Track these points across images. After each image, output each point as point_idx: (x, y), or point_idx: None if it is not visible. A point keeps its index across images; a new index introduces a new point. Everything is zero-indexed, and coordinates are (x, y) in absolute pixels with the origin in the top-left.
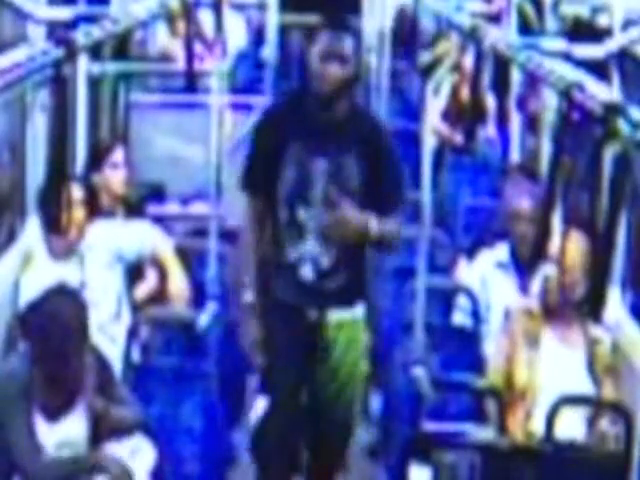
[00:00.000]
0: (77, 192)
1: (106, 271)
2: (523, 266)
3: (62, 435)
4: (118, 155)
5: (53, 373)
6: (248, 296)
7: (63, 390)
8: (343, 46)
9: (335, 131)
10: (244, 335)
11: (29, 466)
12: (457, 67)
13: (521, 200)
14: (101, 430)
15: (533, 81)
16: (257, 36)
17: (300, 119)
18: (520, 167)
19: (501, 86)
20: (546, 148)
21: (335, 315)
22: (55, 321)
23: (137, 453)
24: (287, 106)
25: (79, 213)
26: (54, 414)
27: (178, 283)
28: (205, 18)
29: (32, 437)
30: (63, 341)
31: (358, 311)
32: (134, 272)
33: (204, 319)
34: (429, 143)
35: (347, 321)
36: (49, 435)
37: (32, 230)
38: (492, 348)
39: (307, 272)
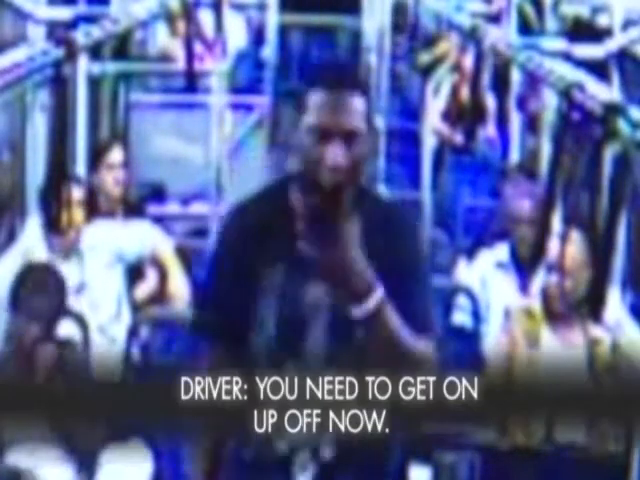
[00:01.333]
0: (76, 192)
1: (106, 271)
2: (523, 266)
3: None
4: (115, 156)
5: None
6: None
7: None
8: (350, 114)
9: None
10: None
11: None
12: (457, 67)
13: (521, 202)
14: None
15: (533, 81)
16: (257, 36)
17: (284, 228)
18: (519, 167)
19: (501, 86)
20: (546, 148)
21: None
22: (51, 276)
23: (133, 460)
24: (264, 208)
25: (77, 213)
26: None
27: (178, 283)
28: (205, 18)
29: None
30: (57, 296)
31: None
32: (134, 272)
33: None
34: (429, 143)
35: None
36: None
37: (32, 230)
38: (492, 348)
39: (303, 474)
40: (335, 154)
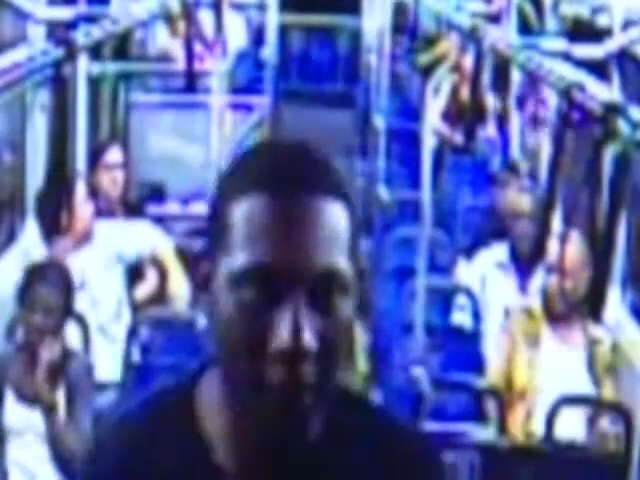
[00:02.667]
0: (82, 191)
1: (106, 271)
2: (523, 266)
3: (33, 421)
4: (113, 156)
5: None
6: None
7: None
8: (321, 240)
9: None
10: None
11: None
12: (457, 67)
13: (516, 198)
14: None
15: (533, 81)
16: (257, 36)
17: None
18: (505, 166)
19: (501, 86)
20: (546, 148)
21: None
22: (57, 271)
23: None
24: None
25: (85, 211)
26: (28, 400)
27: (178, 283)
28: (205, 18)
29: None
30: (63, 291)
31: None
32: (134, 272)
33: (204, 319)
34: (429, 143)
35: None
36: (16, 416)
37: (32, 230)
38: (492, 348)
39: None
40: (295, 326)
